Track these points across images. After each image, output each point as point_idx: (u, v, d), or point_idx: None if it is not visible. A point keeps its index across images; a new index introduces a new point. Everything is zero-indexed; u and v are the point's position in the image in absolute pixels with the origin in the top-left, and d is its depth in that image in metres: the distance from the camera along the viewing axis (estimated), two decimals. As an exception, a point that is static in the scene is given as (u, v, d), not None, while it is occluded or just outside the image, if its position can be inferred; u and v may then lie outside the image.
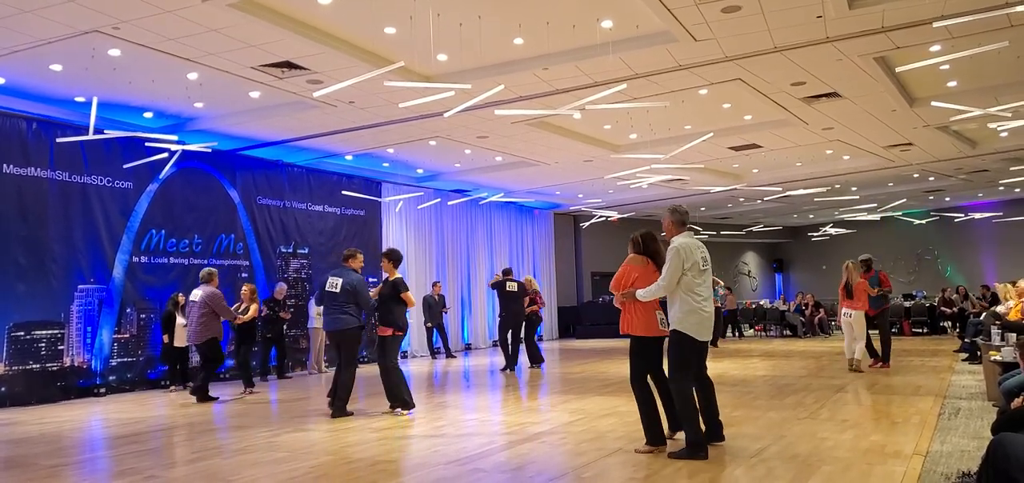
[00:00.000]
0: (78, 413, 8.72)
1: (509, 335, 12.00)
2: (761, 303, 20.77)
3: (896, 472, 4.40)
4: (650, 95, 10.09)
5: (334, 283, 7.53)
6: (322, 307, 7.70)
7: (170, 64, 8.34)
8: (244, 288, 10.80)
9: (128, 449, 6.28)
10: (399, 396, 7.51)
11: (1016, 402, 3.84)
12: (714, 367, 5.64)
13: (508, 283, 12.04)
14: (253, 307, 10.42)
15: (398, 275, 7.74)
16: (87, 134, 8.87)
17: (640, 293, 5.18)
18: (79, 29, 7.29)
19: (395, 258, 7.82)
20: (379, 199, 15.39)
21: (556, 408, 7.63)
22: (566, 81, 9.41)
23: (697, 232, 18.73)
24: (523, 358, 12.41)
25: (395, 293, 7.58)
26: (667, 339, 5.29)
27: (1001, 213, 23.25)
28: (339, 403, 7.50)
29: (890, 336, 10.42)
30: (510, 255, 19.72)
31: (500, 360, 12.73)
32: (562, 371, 11.52)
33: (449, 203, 17.10)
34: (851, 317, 9.80)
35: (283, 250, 13.36)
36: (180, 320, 10.60)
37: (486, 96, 8.58)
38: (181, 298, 10.81)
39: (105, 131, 9.63)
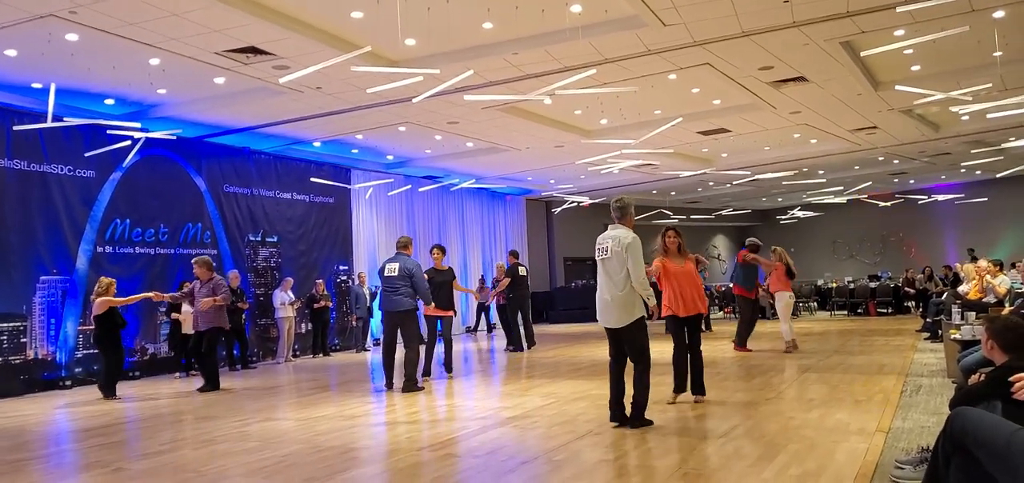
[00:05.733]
0: (43, 406, 8.54)
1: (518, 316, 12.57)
2: (730, 286, 21.03)
3: (859, 449, 4.50)
4: (620, 80, 10.11)
5: (392, 268, 8.14)
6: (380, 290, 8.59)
7: (130, 50, 8.13)
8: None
9: (95, 442, 6.17)
10: (449, 364, 9.23)
11: (973, 378, 3.94)
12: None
13: (520, 268, 12.74)
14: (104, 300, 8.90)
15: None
16: (46, 121, 8.64)
17: None
18: (34, 13, 7.07)
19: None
20: (349, 186, 15.24)
21: (528, 393, 7.66)
22: (536, 66, 9.39)
23: (663, 218, 18.88)
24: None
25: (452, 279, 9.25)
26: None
27: (962, 195, 23.81)
28: (409, 381, 7.95)
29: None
30: (482, 242, 19.70)
31: (474, 346, 12.83)
32: (535, 356, 11.56)
33: (420, 190, 17.01)
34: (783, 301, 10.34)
35: (251, 238, 13.19)
36: (186, 308, 10.62)
37: (455, 81, 8.52)
38: (187, 286, 10.68)
39: (64, 118, 9.39)
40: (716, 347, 11.32)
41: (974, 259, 16.51)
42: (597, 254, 5.57)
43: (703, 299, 6.52)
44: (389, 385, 8.08)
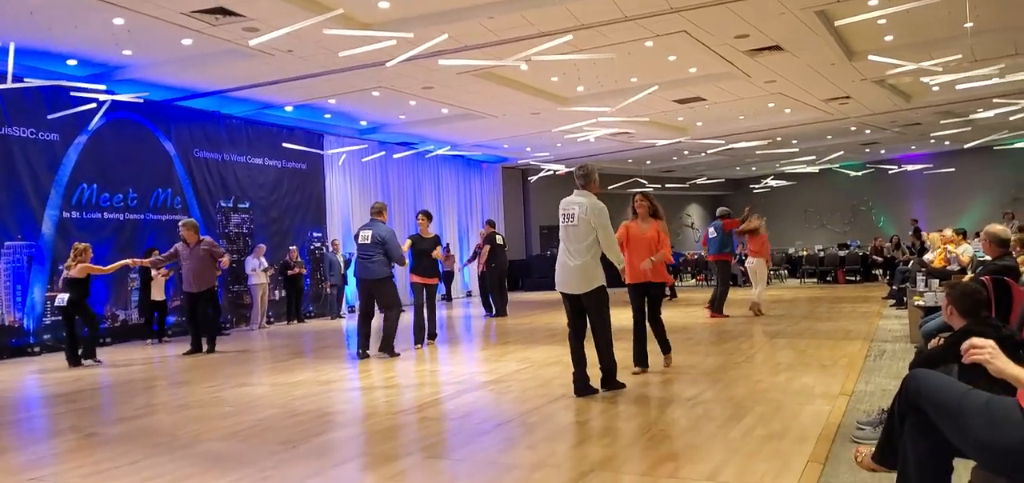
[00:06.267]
0: (11, 373, 8.42)
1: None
2: (703, 254, 21.27)
3: (823, 411, 4.63)
4: (597, 46, 10.08)
5: (365, 235, 8.06)
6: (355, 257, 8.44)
7: (93, 8, 7.91)
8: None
9: (67, 407, 6.11)
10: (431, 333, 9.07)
11: (933, 342, 4.06)
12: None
13: (496, 236, 12.75)
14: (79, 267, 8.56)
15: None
16: (5, 82, 8.39)
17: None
18: (-8, -32, 6.83)
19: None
20: (321, 152, 15.06)
21: (504, 358, 7.73)
22: (512, 31, 9.31)
23: (629, 187, 19.01)
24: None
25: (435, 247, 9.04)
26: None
27: (931, 165, 24.25)
28: (385, 346, 7.93)
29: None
30: (458, 209, 19.65)
31: (448, 313, 12.89)
32: (511, 323, 11.65)
33: (394, 156, 16.87)
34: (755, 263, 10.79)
35: (223, 204, 13.01)
36: (154, 272, 10.63)
37: (430, 45, 8.43)
38: (156, 253, 10.54)
39: (25, 79, 9.12)
40: (689, 313, 11.49)
41: (916, 231, 16.96)
42: (561, 219, 5.44)
43: (643, 260, 6.11)
44: (364, 352, 8.08)
